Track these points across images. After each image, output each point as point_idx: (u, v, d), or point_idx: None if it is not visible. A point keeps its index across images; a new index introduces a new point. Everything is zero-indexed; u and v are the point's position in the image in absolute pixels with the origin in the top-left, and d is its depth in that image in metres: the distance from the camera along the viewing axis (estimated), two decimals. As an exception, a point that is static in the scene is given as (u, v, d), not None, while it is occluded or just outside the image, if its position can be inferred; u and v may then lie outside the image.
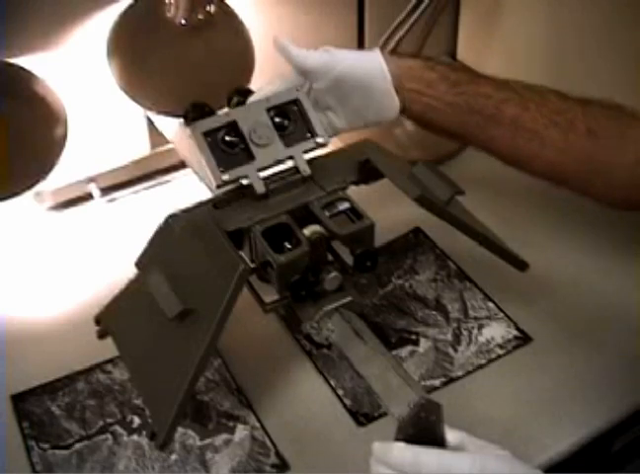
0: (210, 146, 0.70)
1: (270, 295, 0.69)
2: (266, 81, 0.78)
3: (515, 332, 0.85)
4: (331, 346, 0.84)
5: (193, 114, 0.72)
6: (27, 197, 0.96)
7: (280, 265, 0.65)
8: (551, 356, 0.82)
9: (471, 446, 0.55)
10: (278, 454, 0.74)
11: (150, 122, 1.04)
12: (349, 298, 0.70)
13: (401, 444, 0.54)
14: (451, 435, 0.55)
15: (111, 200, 1.06)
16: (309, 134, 0.73)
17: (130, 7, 0.95)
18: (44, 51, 0.96)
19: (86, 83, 1.01)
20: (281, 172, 0.72)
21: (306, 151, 0.73)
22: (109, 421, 0.78)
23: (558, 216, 0.99)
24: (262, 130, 0.71)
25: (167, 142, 1.03)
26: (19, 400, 0.80)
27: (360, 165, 0.74)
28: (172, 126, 1.00)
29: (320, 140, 0.73)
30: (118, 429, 0.77)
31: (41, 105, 0.89)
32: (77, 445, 0.75)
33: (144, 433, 0.76)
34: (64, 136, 0.91)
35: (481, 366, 0.82)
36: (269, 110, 0.73)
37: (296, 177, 0.72)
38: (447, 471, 0.52)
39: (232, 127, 0.71)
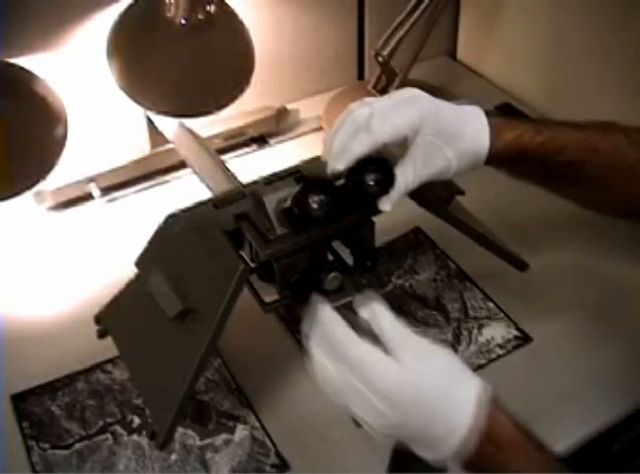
0: None
1: (270, 295, 0.69)
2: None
3: (515, 332, 0.85)
4: (331, 346, 0.84)
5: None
6: (27, 197, 0.96)
7: (281, 265, 0.65)
8: (551, 356, 0.82)
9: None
10: (278, 454, 0.74)
11: (150, 122, 1.04)
12: (349, 298, 0.70)
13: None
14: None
15: (111, 200, 1.06)
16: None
17: (130, 7, 0.95)
18: (44, 51, 0.96)
19: (86, 83, 1.01)
20: (281, 172, 0.72)
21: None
22: (109, 421, 0.78)
23: (558, 216, 0.99)
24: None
25: (167, 142, 1.03)
26: (19, 400, 0.80)
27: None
28: (172, 126, 1.00)
29: None
30: (118, 429, 0.77)
31: (41, 105, 0.89)
32: (77, 445, 0.75)
33: (144, 433, 0.76)
34: (64, 136, 0.91)
35: (481, 366, 0.82)
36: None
37: (296, 176, 0.72)
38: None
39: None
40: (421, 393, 0.54)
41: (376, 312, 0.60)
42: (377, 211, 0.67)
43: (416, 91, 0.67)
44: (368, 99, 0.67)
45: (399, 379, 0.54)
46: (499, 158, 0.68)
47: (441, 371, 0.56)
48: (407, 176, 0.65)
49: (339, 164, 0.63)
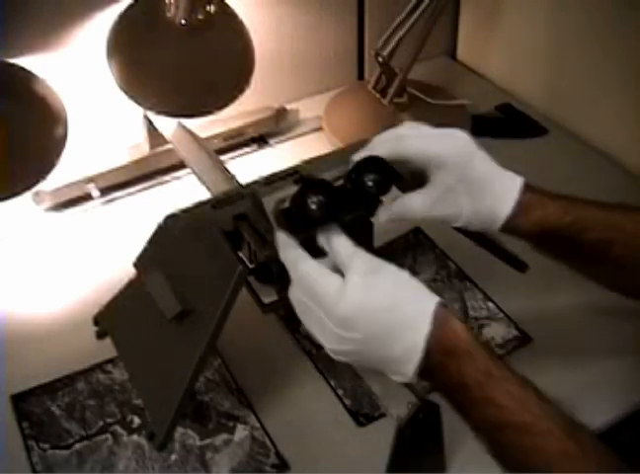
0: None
1: (268, 296, 0.69)
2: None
3: (515, 332, 0.85)
4: (331, 346, 0.83)
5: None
6: (26, 198, 0.96)
7: (279, 266, 0.65)
8: (551, 356, 0.82)
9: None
10: (278, 454, 0.74)
11: (150, 122, 1.04)
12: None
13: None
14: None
15: (110, 201, 1.06)
16: None
17: (130, 7, 0.95)
18: (44, 51, 0.96)
19: (86, 83, 1.01)
20: (280, 172, 0.72)
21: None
22: (109, 421, 0.78)
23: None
24: None
25: (167, 142, 1.03)
26: (19, 400, 0.80)
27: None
28: (171, 127, 1.00)
29: None
30: (118, 429, 0.77)
31: (41, 105, 0.89)
32: (77, 445, 0.75)
33: (144, 433, 0.76)
34: (64, 136, 0.91)
35: (481, 366, 0.82)
36: None
37: (295, 177, 0.72)
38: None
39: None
40: (366, 307, 0.54)
41: (330, 235, 0.60)
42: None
43: (463, 134, 0.66)
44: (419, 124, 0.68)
45: (342, 294, 0.55)
46: (524, 233, 0.68)
47: (389, 287, 0.55)
48: (417, 206, 0.65)
49: (357, 156, 0.64)
